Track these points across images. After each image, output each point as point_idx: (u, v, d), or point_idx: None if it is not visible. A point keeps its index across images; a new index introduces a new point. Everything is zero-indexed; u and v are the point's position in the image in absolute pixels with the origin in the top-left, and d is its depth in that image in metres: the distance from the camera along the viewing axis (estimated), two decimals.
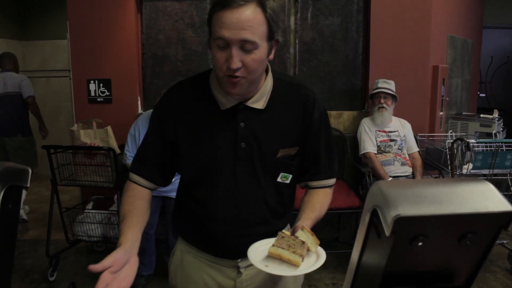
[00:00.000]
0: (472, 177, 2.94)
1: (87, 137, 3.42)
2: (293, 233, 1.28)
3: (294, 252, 1.19)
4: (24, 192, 1.03)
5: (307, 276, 3.53)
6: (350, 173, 4.15)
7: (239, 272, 1.44)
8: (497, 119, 4.62)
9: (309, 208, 1.40)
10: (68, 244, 3.73)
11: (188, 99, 1.38)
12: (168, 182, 1.48)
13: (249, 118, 1.34)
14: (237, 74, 1.22)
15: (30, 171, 1.04)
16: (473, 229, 0.76)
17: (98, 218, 3.69)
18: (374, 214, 0.79)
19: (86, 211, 3.74)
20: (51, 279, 3.56)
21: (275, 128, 1.36)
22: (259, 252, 1.27)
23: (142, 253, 3.33)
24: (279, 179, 1.41)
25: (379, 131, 3.86)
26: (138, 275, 3.39)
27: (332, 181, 1.48)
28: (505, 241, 3.96)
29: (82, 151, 3.39)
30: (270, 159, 1.37)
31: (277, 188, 1.42)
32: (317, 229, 4.11)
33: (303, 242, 1.21)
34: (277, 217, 1.48)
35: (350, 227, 4.18)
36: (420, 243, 0.74)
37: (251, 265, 1.41)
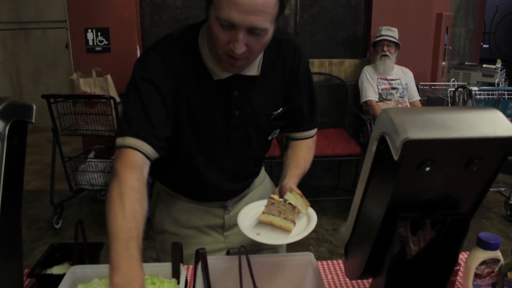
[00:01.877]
0: None
1: (87, 86, 3.39)
2: (281, 194, 1.28)
3: (285, 218, 1.18)
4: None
5: None
6: (351, 121, 4.16)
7: (227, 210, 1.47)
8: (500, 69, 4.58)
9: (294, 164, 1.40)
10: (72, 193, 3.78)
11: (175, 65, 1.23)
12: (166, 151, 1.23)
13: (243, 86, 1.28)
14: (240, 56, 1.12)
15: (34, 106, 1.03)
16: (480, 154, 0.76)
17: (100, 167, 3.72)
18: (382, 141, 0.79)
19: (88, 160, 3.76)
20: (57, 226, 3.64)
21: (268, 92, 1.33)
22: (248, 218, 1.24)
23: None
24: (269, 138, 1.42)
25: (381, 79, 3.84)
26: None
27: (314, 131, 1.49)
28: (502, 189, 4.01)
29: (83, 100, 3.36)
30: (263, 123, 1.35)
31: (266, 144, 1.44)
32: (316, 176, 4.14)
33: (294, 207, 1.20)
34: (259, 165, 1.53)
35: (350, 175, 4.22)
36: (427, 168, 0.75)
37: (239, 200, 1.46)
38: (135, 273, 0.89)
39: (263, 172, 1.61)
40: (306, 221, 1.23)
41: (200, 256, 1.12)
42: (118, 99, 3.42)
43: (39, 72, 6.56)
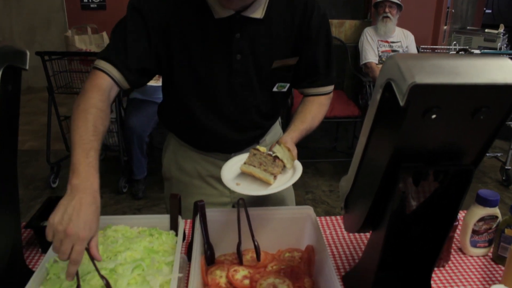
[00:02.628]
0: None
1: (82, 43, 3.32)
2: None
3: (265, 170, 1.15)
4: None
5: (304, 183, 3.63)
6: (350, 83, 4.12)
7: None
8: (502, 34, 4.51)
9: (300, 119, 1.36)
10: (68, 153, 3.74)
11: (175, 1, 1.22)
12: (140, 84, 1.27)
13: (246, 28, 1.23)
14: None
15: (27, 52, 0.99)
16: (487, 102, 0.74)
17: None
18: (387, 88, 0.77)
19: None
20: (54, 185, 3.64)
21: (272, 38, 1.28)
22: (233, 169, 1.23)
23: (135, 157, 3.42)
24: (275, 89, 1.37)
25: (382, 41, 3.78)
26: (135, 180, 3.51)
27: (330, 88, 1.43)
28: (498, 154, 4.02)
29: (78, 58, 3.30)
30: (266, 70, 1.31)
31: (272, 96, 1.39)
32: (314, 138, 4.14)
33: (275, 160, 1.17)
34: (270, 119, 1.49)
35: (348, 137, 4.22)
36: (433, 116, 0.73)
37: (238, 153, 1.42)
38: (92, 178, 0.93)
39: (277, 130, 1.58)
40: (290, 175, 1.20)
41: (199, 208, 1.12)
42: None
43: (32, 31, 6.43)
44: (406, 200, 0.95)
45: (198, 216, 1.12)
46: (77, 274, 0.90)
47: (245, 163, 1.19)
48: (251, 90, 1.32)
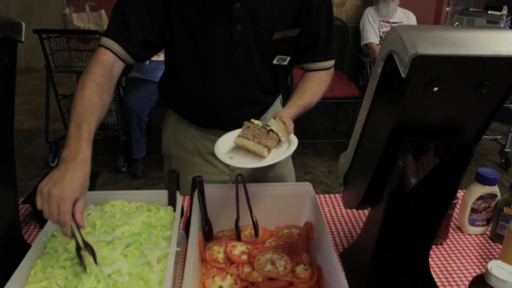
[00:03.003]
0: None
1: (80, 21, 3.28)
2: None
3: (259, 142, 1.14)
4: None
5: (303, 164, 3.63)
6: (351, 64, 4.09)
7: None
8: (505, 15, 4.46)
9: (299, 95, 1.34)
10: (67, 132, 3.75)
11: None
12: (144, 57, 1.29)
13: None
14: None
15: (23, 24, 0.98)
16: (491, 76, 0.73)
17: None
18: (389, 61, 0.75)
19: None
20: (53, 165, 3.64)
21: (273, 9, 1.26)
22: (227, 144, 1.21)
23: (134, 137, 3.41)
24: (275, 62, 1.35)
25: (383, 21, 3.74)
26: (134, 160, 3.51)
27: (330, 63, 1.42)
28: (498, 137, 4.02)
29: (76, 36, 3.27)
30: (267, 42, 1.29)
31: (273, 70, 1.37)
32: (314, 119, 4.14)
33: (268, 132, 1.15)
34: (270, 94, 1.47)
35: (348, 118, 4.20)
36: (435, 89, 0.72)
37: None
38: (80, 149, 0.97)
39: (278, 108, 1.57)
40: (285, 149, 1.18)
41: (197, 184, 1.11)
42: None
43: (30, 9, 6.35)
44: (405, 177, 0.94)
45: (196, 191, 1.11)
46: (74, 235, 0.92)
47: (239, 136, 1.17)
48: (251, 62, 1.31)
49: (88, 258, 0.92)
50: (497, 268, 0.85)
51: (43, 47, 3.28)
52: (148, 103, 3.37)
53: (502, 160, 3.84)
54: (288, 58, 1.36)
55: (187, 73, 1.33)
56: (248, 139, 1.15)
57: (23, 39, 0.96)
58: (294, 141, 1.19)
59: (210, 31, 1.24)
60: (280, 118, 1.20)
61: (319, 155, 3.74)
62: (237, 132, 1.23)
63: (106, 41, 1.19)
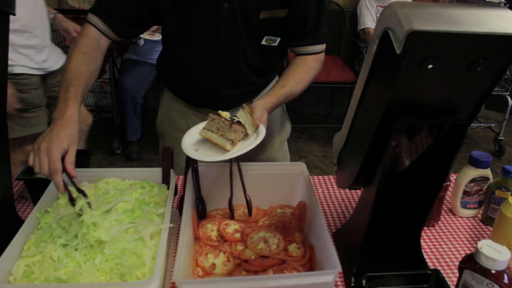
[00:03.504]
0: None
1: (75, 0, 3.24)
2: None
3: (222, 135, 1.11)
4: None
5: (298, 148, 3.63)
6: (347, 49, 4.07)
7: None
8: (503, 3, 4.44)
9: (281, 83, 1.31)
10: None
11: None
12: (129, 34, 1.32)
13: None
14: None
15: None
16: (485, 54, 0.73)
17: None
18: (384, 38, 0.75)
19: None
20: None
21: None
22: (196, 136, 1.18)
23: (129, 119, 3.40)
24: (264, 42, 1.33)
25: (380, 6, 3.72)
26: (128, 142, 3.51)
27: (319, 47, 1.39)
28: (492, 125, 4.04)
29: (71, 16, 3.22)
30: (253, 21, 1.27)
31: (262, 50, 1.35)
32: (309, 104, 4.12)
33: (231, 125, 1.10)
34: (261, 76, 1.46)
35: (343, 104, 4.20)
36: (430, 66, 0.71)
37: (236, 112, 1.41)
38: (66, 108, 1.04)
39: None
40: (252, 140, 1.13)
41: (191, 162, 1.11)
42: None
43: None
44: (398, 157, 0.94)
45: (190, 170, 1.12)
46: (68, 190, 0.98)
47: (204, 128, 1.15)
48: (239, 41, 1.30)
49: (81, 200, 0.99)
50: (486, 247, 0.86)
51: None
52: (143, 85, 3.35)
53: (496, 148, 3.86)
54: (278, 40, 1.34)
55: (177, 50, 1.33)
56: (212, 131, 1.12)
57: (15, 12, 0.95)
58: (261, 133, 1.14)
59: (197, 7, 1.23)
60: (248, 109, 1.16)
61: (314, 140, 3.75)
62: (202, 125, 1.19)
63: (90, 16, 1.24)
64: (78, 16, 3.22)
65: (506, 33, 0.69)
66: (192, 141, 1.16)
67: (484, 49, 0.72)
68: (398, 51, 0.69)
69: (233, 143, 1.10)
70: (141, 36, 3.08)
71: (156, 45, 3.31)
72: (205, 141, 1.15)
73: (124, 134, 3.51)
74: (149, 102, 3.98)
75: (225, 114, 1.15)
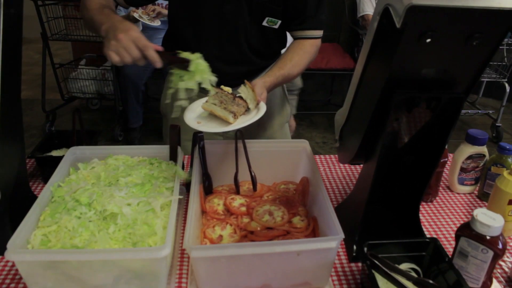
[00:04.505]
0: None
1: None
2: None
3: (225, 108, 1.15)
4: None
5: (298, 135, 3.67)
6: (346, 36, 4.10)
7: None
8: None
9: (279, 65, 1.36)
10: (63, 101, 3.76)
11: None
12: (137, 3, 1.42)
13: None
14: None
15: None
16: (481, 28, 0.76)
17: (92, 75, 3.68)
18: (385, 14, 0.79)
19: (79, 67, 3.71)
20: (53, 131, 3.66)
21: None
22: (198, 110, 1.23)
23: (131, 106, 3.43)
24: (265, 23, 1.37)
25: None
26: (131, 129, 3.55)
27: (317, 33, 1.42)
28: (490, 111, 4.07)
29: (72, 3, 3.25)
30: (256, 1, 1.31)
31: (263, 31, 1.39)
32: (309, 91, 4.13)
33: (234, 98, 1.16)
34: (262, 57, 1.49)
35: (343, 91, 4.24)
36: (428, 39, 0.75)
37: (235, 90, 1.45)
38: (114, 17, 1.12)
39: None
40: (253, 115, 1.18)
41: (197, 139, 1.15)
42: None
43: None
44: (398, 131, 0.98)
45: (197, 147, 1.15)
46: (172, 56, 1.08)
47: (206, 101, 1.19)
48: (241, 19, 1.34)
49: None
50: (482, 214, 0.90)
51: (39, 15, 3.26)
52: (144, 72, 3.38)
53: (494, 134, 3.90)
54: (279, 22, 1.38)
55: (181, 27, 1.38)
56: (215, 104, 1.17)
57: None
58: (262, 108, 1.19)
59: None
60: (249, 85, 1.21)
61: (314, 126, 3.79)
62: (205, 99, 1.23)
63: None
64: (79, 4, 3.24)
65: (501, 8, 0.72)
66: (194, 115, 1.21)
67: (480, 24, 0.76)
68: (398, 25, 0.72)
69: (235, 116, 1.14)
70: (140, 20, 3.10)
71: (156, 32, 3.33)
72: (207, 116, 1.20)
73: (126, 121, 3.54)
74: (151, 89, 4.01)
75: (227, 89, 1.19)
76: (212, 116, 1.19)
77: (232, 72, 1.40)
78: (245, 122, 1.14)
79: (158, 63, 1.02)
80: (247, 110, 1.20)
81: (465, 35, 0.77)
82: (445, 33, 0.76)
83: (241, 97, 1.18)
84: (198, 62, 1.10)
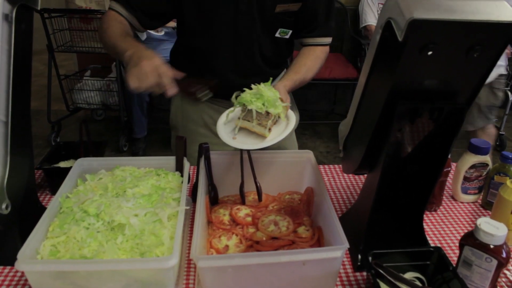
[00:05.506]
0: None
1: (82, 0, 3.30)
2: None
3: (259, 124, 1.14)
4: None
5: (302, 144, 3.68)
6: (349, 46, 4.12)
7: None
8: None
9: (294, 70, 1.40)
10: (69, 112, 3.79)
11: None
12: (153, 26, 1.42)
13: None
14: None
15: None
16: (481, 41, 0.78)
17: (97, 86, 3.71)
18: (387, 27, 0.80)
19: (84, 78, 3.74)
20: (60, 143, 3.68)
21: None
22: (228, 124, 1.22)
23: (135, 116, 3.46)
24: (277, 35, 1.40)
25: (382, 3, 3.76)
26: (135, 139, 3.57)
27: (327, 40, 1.47)
28: (494, 120, 4.07)
29: (78, 16, 3.29)
30: (269, 14, 1.34)
31: (276, 42, 1.42)
32: (312, 101, 4.17)
33: (268, 113, 1.14)
34: (273, 67, 1.52)
35: (346, 100, 4.25)
36: (430, 52, 0.77)
37: None
38: (138, 44, 1.14)
39: None
40: (284, 126, 1.20)
41: (203, 150, 1.16)
42: None
43: None
44: (401, 141, 1.00)
45: (203, 157, 1.17)
46: (184, 81, 1.10)
47: (239, 118, 1.18)
48: (254, 32, 1.36)
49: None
50: (485, 223, 0.91)
51: (45, 27, 3.30)
52: None
53: (497, 143, 3.90)
54: (290, 32, 1.41)
55: (195, 41, 1.39)
56: (248, 120, 1.16)
57: (39, 7, 1.01)
58: (292, 117, 1.21)
59: (218, 1, 1.30)
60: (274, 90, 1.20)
61: (317, 136, 3.80)
62: (236, 111, 1.23)
63: (113, 4, 1.32)
64: (85, 16, 3.28)
65: (500, 21, 0.74)
66: (228, 130, 1.21)
67: (480, 36, 0.78)
68: (400, 39, 0.74)
69: (269, 130, 1.15)
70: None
71: (160, 44, 3.37)
72: (239, 129, 1.19)
73: (130, 131, 3.57)
74: (156, 100, 4.04)
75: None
76: (244, 130, 1.18)
77: (243, 84, 1.42)
78: (280, 136, 1.15)
79: (171, 91, 1.05)
80: (277, 120, 1.21)
81: (465, 47, 0.79)
82: (446, 45, 0.78)
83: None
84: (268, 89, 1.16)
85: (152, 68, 1.03)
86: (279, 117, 1.19)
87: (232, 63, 1.41)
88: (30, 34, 1.02)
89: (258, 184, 1.18)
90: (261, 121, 1.15)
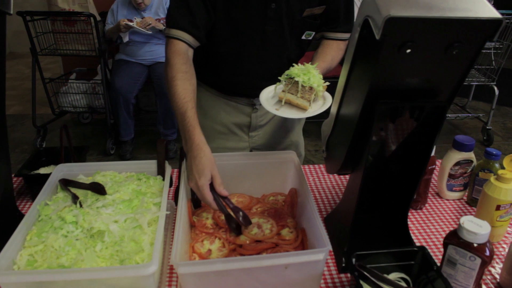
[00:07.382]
0: None
1: (65, 2, 3.27)
2: None
3: (302, 97, 1.24)
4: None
5: None
6: None
7: (254, 109, 1.53)
8: None
9: (321, 59, 1.42)
10: (54, 116, 3.75)
11: None
12: (205, 40, 1.36)
13: None
14: None
15: None
16: (460, 38, 0.77)
17: (82, 89, 3.67)
18: (365, 26, 0.79)
19: (70, 82, 3.70)
20: (41, 149, 3.63)
21: None
22: (269, 97, 1.32)
23: (121, 119, 3.43)
24: (303, 37, 1.43)
25: None
26: (122, 142, 3.54)
27: (347, 35, 1.49)
28: (481, 115, 4.09)
29: (61, 18, 3.25)
30: (297, 19, 1.36)
31: (300, 44, 1.45)
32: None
33: (311, 88, 1.24)
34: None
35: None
36: (408, 50, 0.76)
37: None
38: (193, 137, 1.09)
39: None
40: (321, 102, 1.30)
41: (184, 154, 1.15)
42: (98, 18, 3.32)
43: None
44: (383, 140, 0.99)
45: (184, 160, 1.15)
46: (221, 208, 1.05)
47: (283, 91, 1.27)
48: (282, 38, 1.38)
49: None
50: (468, 222, 0.91)
51: (27, 30, 3.25)
52: (135, 85, 3.38)
53: (484, 137, 3.92)
54: (313, 33, 1.44)
55: (223, 47, 1.39)
56: (292, 93, 1.25)
57: (11, 12, 0.98)
58: (329, 97, 1.30)
59: (247, 8, 1.31)
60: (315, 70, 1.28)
61: (305, 134, 3.74)
62: (273, 87, 1.35)
63: (175, 32, 1.26)
64: (68, 18, 3.24)
65: (478, 18, 0.73)
66: (270, 102, 1.30)
67: (459, 33, 0.77)
68: (377, 37, 0.73)
69: (310, 104, 1.25)
70: (134, 26, 3.13)
71: (145, 46, 3.35)
72: (279, 101, 1.29)
73: (117, 134, 3.53)
74: (142, 102, 4.01)
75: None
76: (287, 104, 1.28)
77: (265, 85, 1.42)
78: (320, 108, 1.26)
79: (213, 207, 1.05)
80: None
81: (444, 45, 0.78)
82: (424, 43, 0.77)
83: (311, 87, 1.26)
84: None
85: (195, 188, 1.05)
86: (315, 96, 1.28)
87: (258, 67, 1.43)
88: (3, 38, 0.99)
89: (240, 218, 1.13)
90: (304, 95, 1.23)
